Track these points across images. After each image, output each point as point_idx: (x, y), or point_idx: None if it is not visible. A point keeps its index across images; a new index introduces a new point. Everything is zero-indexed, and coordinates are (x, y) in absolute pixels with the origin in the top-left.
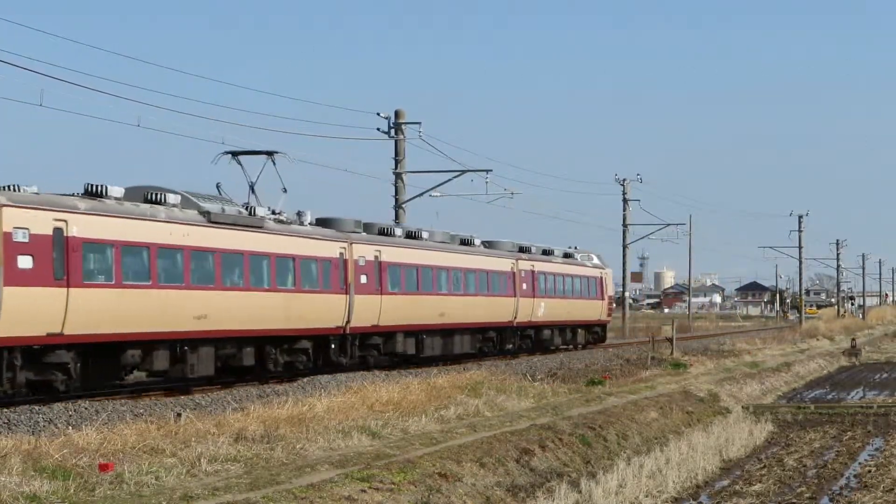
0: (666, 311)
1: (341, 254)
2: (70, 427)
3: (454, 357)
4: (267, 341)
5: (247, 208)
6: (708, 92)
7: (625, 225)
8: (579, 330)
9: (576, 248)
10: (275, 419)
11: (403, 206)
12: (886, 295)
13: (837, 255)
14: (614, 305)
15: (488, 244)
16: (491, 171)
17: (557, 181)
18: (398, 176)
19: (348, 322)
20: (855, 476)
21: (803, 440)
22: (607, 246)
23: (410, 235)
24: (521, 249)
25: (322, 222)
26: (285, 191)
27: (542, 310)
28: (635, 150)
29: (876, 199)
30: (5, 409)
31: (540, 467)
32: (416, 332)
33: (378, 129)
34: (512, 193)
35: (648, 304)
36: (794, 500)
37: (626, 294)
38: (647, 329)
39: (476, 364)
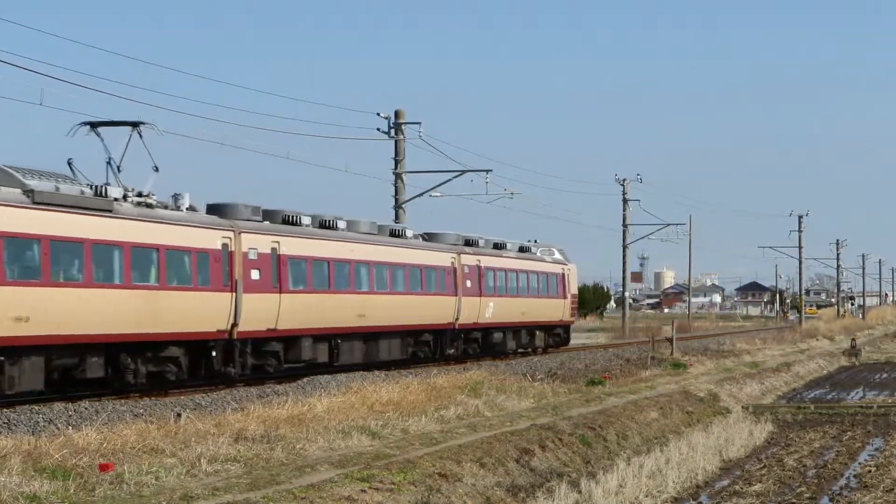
0: (666, 311)
1: (225, 245)
2: (70, 427)
3: (380, 364)
4: (122, 348)
5: (94, 188)
6: (708, 92)
7: (625, 225)
8: (537, 332)
9: (535, 241)
10: (275, 419)
11: (403, 206)
12: (886, 295)
13: (837, 255)
14: (577, 305)
15: (429, 236)
16: (491, 171)
17: (557, 181)
18: (398, 176)
19: (235, 325)
20: (855, 476)
21: (803, 440)
22: (608, 246)
23: (324, 225)
24: (468, 243)
25: (213, 209)
26: (156, 169)
27: (490, 310)
28: (635, 150)
29: (876, 199)
30: (5, 409)
31: (540, 467)
32: (330, 337)
33: (378, 129)
34: (512, 193)
35: (648, 304)
36: (794, 500)
37: (627, 294)
38: (647, 329)
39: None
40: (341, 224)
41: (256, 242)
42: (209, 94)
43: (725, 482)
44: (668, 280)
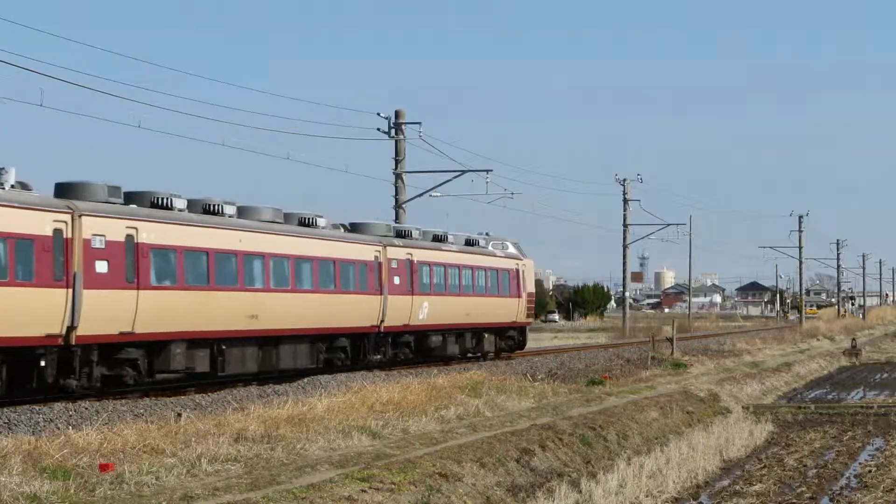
0: (666, 311)
1: (59, 231)
2: (70, 427)
3: (281, 375)
4: None
5: None
6: (708, 92)
7: (625, 225)
8: (486, 335)
9: (486, 234)
10: (275, 419)
11: (404, 206)
12: (887, 295)
13: (838, 255)
14: (534, 304)
15: (353, 226)
16: (491, 171)
17: (557, 181)
18: (398, 176)
19: (72, 329)
20: (855, 476)
21: (803, 440)
22: (608, 246)
23: (208, 210)
24: (400, 234)
25: (61, 189)
26: None
27: (425, 310)
28: (635, 150)
29: (876, 199)
30: (6, 409)
31: (540, 467)
32: (212, 342)
33: (378, 129)
34: (512, 193)
35: (649, 304)
36: (795, 500)
37: (627, 294)
38: (647, 329)
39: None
40: (229, 210)
41: (104, 228)
42: (209, 95)
43: (726, 482)
44: (669, 280)
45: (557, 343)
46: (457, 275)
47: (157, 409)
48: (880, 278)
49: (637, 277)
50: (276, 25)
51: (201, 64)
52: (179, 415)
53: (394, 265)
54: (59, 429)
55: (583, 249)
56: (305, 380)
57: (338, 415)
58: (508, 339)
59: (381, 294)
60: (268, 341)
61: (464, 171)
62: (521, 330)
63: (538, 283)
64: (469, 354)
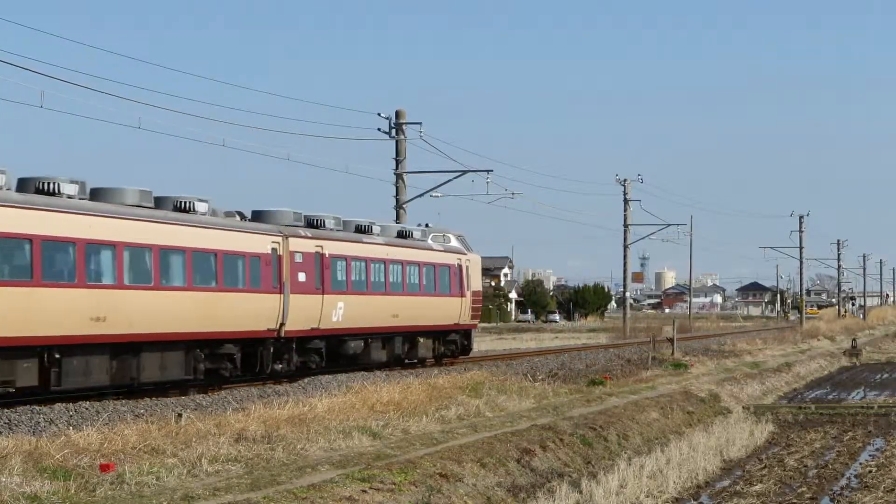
0: (667, 311)
1: None
2: (71, 427)
3: (142, 388)
4: None
5: None
6: (708, 92)
7: (626, 225)
8: (422, 339)
9: (427, 225)
10: (275, 419)
11: (404, 206)
12: (887, 295)
13: (838, 255)
14: (480, 304)
15: (255, 215)
16: (492, 171)
17: (558, 181)
18: (399, 176)
19: None
20: (856, 476)
21: (804, 440)
22: (608, 246)
23: (41, 191)
24: (311, 224)
25: None
26: None
27: (340, 311)
28: (635, 150)
29: (876, 199)
30: (6, 410)
31: (541, 467)
32: (42, 350)
33: (379, 130)
34: (513, 194)
35: (649, 304)
36: (795, 501)
37: (627, 294)
38: (647, 329)
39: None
40: (69, 189)
41: None
42: (209, 95)
43: (726, 482)
44: (669, 280)
45: (558, 343)
46: (382, 270)
47: (157, 410)
48: (881, 278)
49: (638, 278)
50: (276, 25)
51: (201, 64)
52: (180, 415)
53: (298, 259)
54: (59, 429)
55: (583, 250)
56: (306, 380)
57: (338, 415)
58: (450, 344)
59: (280, 293)
60: (124, 349)
61: (464, 172)
62: (465, 333)
63: (538, 283)
64: (405, 361)
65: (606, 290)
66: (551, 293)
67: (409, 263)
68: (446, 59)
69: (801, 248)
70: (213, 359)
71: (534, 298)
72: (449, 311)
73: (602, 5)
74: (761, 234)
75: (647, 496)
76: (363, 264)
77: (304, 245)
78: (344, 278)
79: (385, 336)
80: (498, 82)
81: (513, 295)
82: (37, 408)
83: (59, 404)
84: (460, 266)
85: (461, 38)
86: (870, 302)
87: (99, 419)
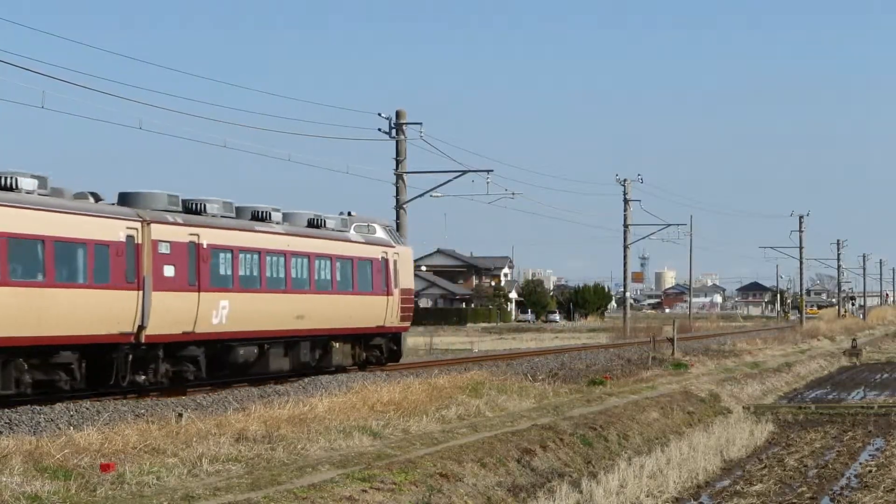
0: (667, 311)
1: None
2: (71, 427)
3: None
4: None
5: None
6: (708, 92)
7: (626, 225)
8: (336, 345)
9: (349, 213)
10: (276, 419)
11: (404, 206)
12: (887, 295)
13: (838, 255)
14: (412, 303)
15: (121, 198)
16: (492, 171)
17: (558, 181)
18: (399, 176)
19: None
20: (856, 476)
21: (804, 440)
22: (608, 246)
23: None
24: (190, 209)
25: None
26: None
27: (224, 312)
28: (635, 150)
29: (876, 199)
30: (7, 409)
31: (541, 467)
32: None
33: (379, 130)
34: (513, 194)
35: (649, 304)
36: (795, 501)
37: (628, 294)
38: (647, 329)
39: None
40: None
41: None
42: (210, 95)
43: (726, 482)
44: (669, 280)
45: (558, 343)
46: (282, 264)
47: (158, 410)
48: (881, 278)
49: (638, 278)
50: (276, 25)
51: (201, 64)
52: (180, 415)
53: (164, 249)
54: (60, 429)
55: (583, 250)
56: (306, 380)
57: (339, 415)
58: (373, 350)
59: (138, 289)
60: None
61: (464, 172)
62: (393, 337)
63: (538, 283)
64: (324, 370)
65: (606, 290)
66: (551, 293)
67: (320, 257)
68: (446, 59)
69: (801, 248)
70: (45, 370)
71: (534, 298)
72: (371, 311)
73: (602, 5)
74: (761, 234)
75: (648, 496)
76: (256, 257)
77: (172, 233)
78: (229, 273)
79: (288, 341)
80: (498, 82)
81: (513, 295)
82: (37, 407)
83: (60, 404)
84: (386, 260)
85: (461, 38)
86: (870, 302)
87: (99, 419)
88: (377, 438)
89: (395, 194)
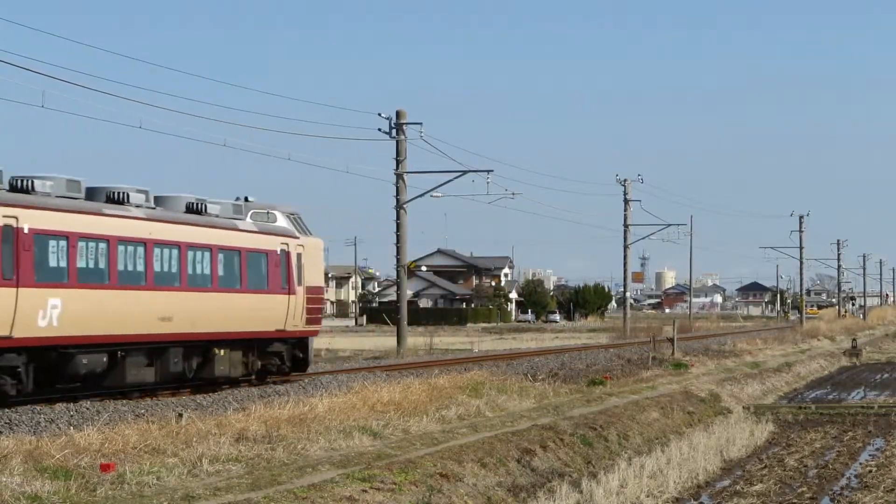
0: (667, 311)
1: None
2: (71, 427)
3: None
4: None
5: None
6: (708, 92)
7: (626, 225)
8: (219, 352)
9: (247, 198)
10: (276, 419)
11: (405, 206)
12: (887, 295)
13: (838, 255)
14: (321, 304)
15: None
16: (492, 171)
17: (558, 181)
18: (399, 176)
19: None
20: (856, 476)
21: (804, 440)
22: (608, 246)
23: None
24: (15, 187)
25: None
26: None
27: (55, 313)
28: (635, 150)
29: (876, 199)
30: (7, 409)
31: (541, 467)
32: None
33: (379, 130)
34: (513, 194)
35: (649, 304)
36: (795, 501)
37: (628, 294)
38: (648, 329)
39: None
40: None
41: None
42: (210, 95)
43: (726, 482)
44: (669, 280)
45: (558, 343)
46: (141, 255)
47: (158, 410)
48: (881, 278)
49: (638, 278)
50: (276, 25)
51: (201, 64)
52: (181, 415)
53: None
54: (60, 429)
55: (583, 250)
56: (307, 380)
57: (339, 415)
58: (271, 357)
59: None
60: None
61: (465, 172)
62: (298, 343)
63: (539, 284)
64: (204, 382)
65: (606, 290)
66: (551, 293)
67: (195, 247)
68: (446, 59)
69: (801, 248)
70: None
71: (534, 298)
72: (267, 313)
73: (602, 5)
74: (761, 234)
75: (648, 496)
76: (103, 245)
77: None
78: (63, 264)
79: (153, 348)
80: (498, 82)
81: (513, 295)
82: (37, 407)
83: (60, 404)
84: (287, 253)
85: (461, 38)
86: (870, 302)
87: (99, 419)
88: (377, 438)
89: (395, 194)
